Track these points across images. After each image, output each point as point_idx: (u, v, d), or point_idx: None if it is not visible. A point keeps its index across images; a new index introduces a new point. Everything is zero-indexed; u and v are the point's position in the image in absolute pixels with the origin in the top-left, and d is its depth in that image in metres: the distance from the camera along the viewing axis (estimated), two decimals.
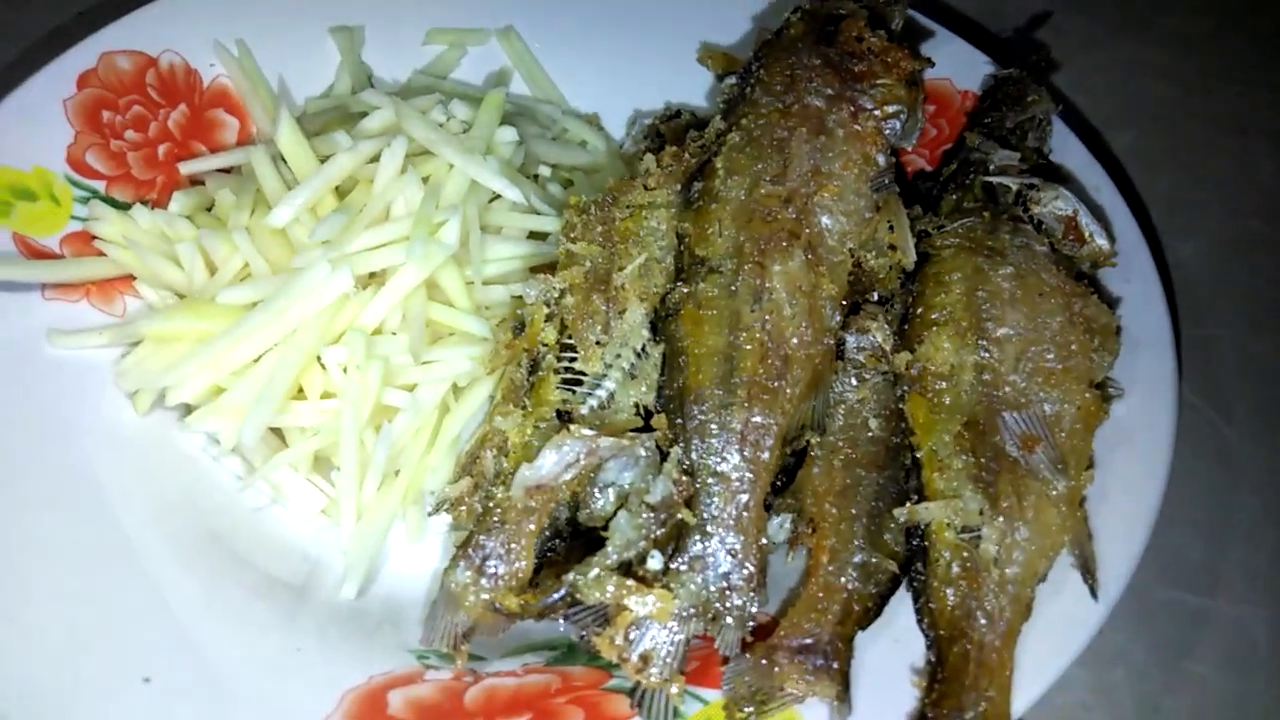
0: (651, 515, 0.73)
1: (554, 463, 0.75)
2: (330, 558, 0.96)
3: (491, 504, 0.78)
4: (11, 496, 0.88)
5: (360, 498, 0.94)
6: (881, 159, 0.87)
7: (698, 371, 0.79)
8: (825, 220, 0.84)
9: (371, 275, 0.99)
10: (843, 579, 0.79)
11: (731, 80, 0.96)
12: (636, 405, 0.83)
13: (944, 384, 0.83)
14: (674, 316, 0.82)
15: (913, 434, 0.83)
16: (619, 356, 0.85)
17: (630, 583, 0.72)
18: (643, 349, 0.86)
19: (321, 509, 0.97)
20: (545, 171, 1.19)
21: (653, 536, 0.73)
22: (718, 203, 0.86)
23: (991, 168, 0.95)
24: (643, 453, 0.75)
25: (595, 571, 0.72)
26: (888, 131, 0.88)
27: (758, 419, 0.77)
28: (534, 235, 1.11)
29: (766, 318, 0.80)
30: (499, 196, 1.08)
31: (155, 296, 1.01)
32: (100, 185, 1.07)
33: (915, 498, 0.81)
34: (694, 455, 0.77)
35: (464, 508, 0.90)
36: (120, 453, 0.94)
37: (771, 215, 0.84)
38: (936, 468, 0.80)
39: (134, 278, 1.02)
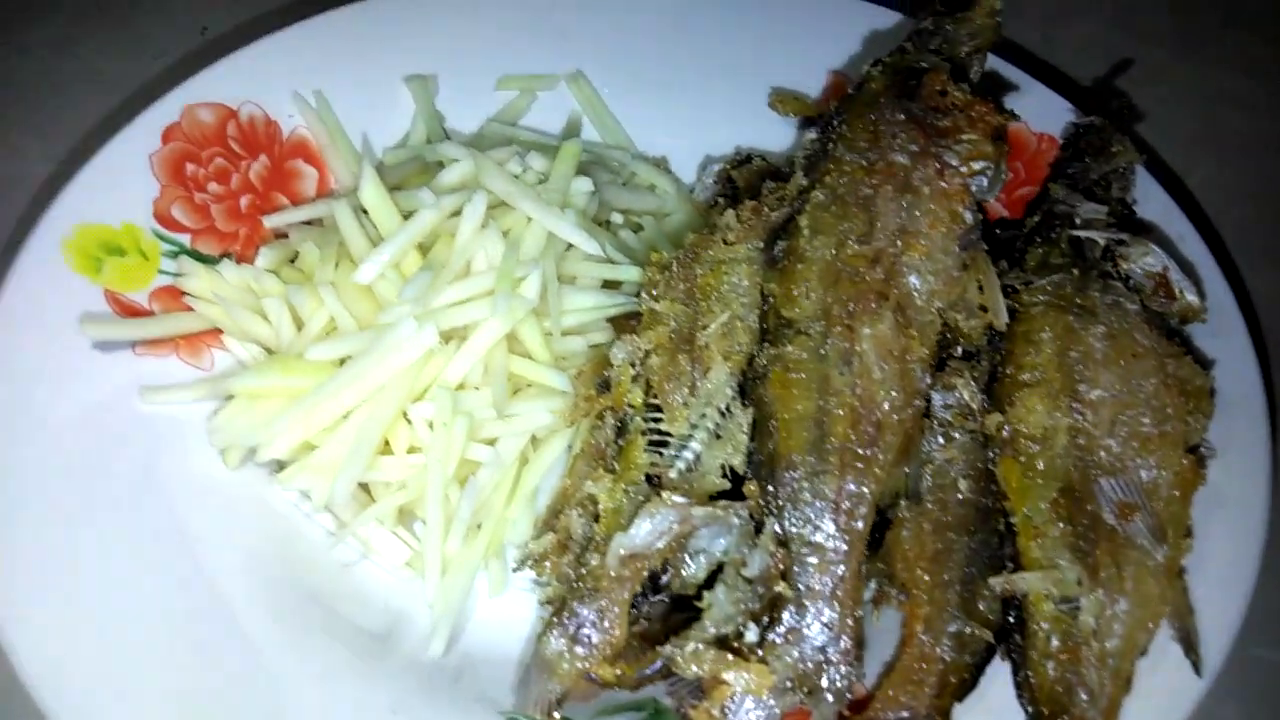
0: (749, 589, 0.73)
1: (647, 532, 0.75)
2: (415, 610, 0.97)
3: (584, 570, 0.79)
4: (106, 552, 0.91)
5: (444, 551, 0.95)
6: (969, 216, 0.87)
7: (788, 437, 0.79)
8: (913, 280, 0.84)
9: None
10: (939, 649, 0.78)
11: (812, 135, 0.96)
12: (723, 467, 0.83)
13: (1037, 447, 0.82)
14: (762, 380, 0.82)
15: (1006, 499, 0.82)
16: (704, 416, 0.85)
17: (728, 657, 0.72)
18: (727, 408, 0.86)
19: (406, 561, 0.98)
20: (617, 218, 1.19)
21: (750, 610, 0.73)
22: (803, 263, 0.86)
23: (1078, 221, 0.94)
24: (736, 521, 0.75)
25: (693, 646, 0.73)
26: (974, 188, 0.88)
27: (851, 487, 0.77)
28: (608, 284, 1.12)
29: (857, 382, 0.80)
30: (574, 246, 1.09)
31: (243, 350, 1.03)
32: (186, 239, 1.09)
33: (1011, 566, 0.80)
34: (787, 524, 0.77)
35: (548, 563, 0.91)
36: (211, 507, 0.96)
37: (859, 276, 0.84)
38: (1033, 535, 0.79)
39: (221, 332, 1.04)
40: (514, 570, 0.94)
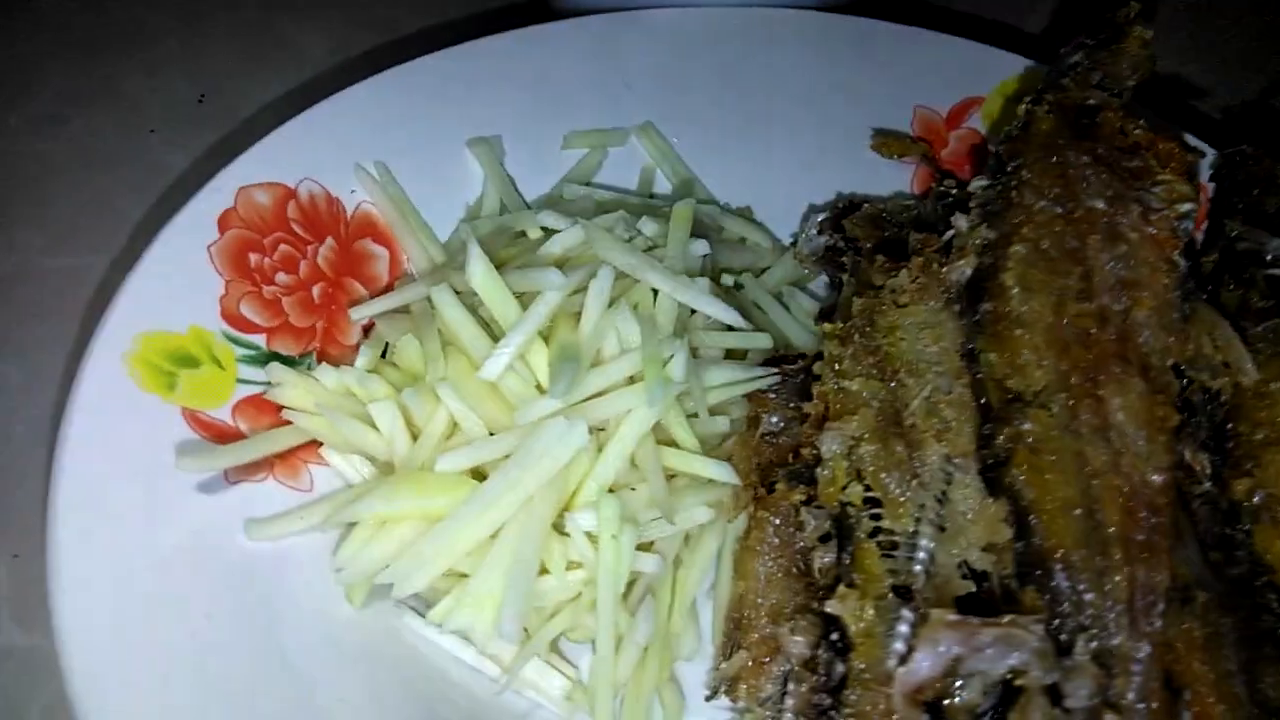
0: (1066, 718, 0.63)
1: (932, 663, 0.65)
2: None
3: (846, 711, 0.67)
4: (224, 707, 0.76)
5: (616, 682, 0.83)
6: (1182, 262, 0.80)
7: (1056, 531, 0.70)
8: (1148, 338, 0.76)
9: None
10: None
11: (983, 182, 0.88)
12: (961, 565, 0.74)
13: None
14: (1005, 466, 0.73)
15: (1273, 571, 0.74)
16: (923, 508, 0.76)
17: None
18: (943, 495, 0.77)
19: (568, 695, 0.85)
20: (728, 280, 1.10)
21: None
22: (1022, 327, 0.77)
23: (1268, 258, 0.88)
24: (1034, 642, 0.65)
25: None
26: (1181, 232, 0.81)
27: (1143, 580, 0.68)
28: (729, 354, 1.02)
29: (1120, 459, 0.71)
30: (691, 315, 0.99)
31: (347, 466, 0.89)
32: (260, 339, 0.95)
33: None
34: (1073, 633, 0.67)
35: (744, 686, 0.80)
36: (339, 655, 0.82)
37: (1091, 339, 0.75)
38: None
39: (317, 445, 0.90)
40: (708, 698, 0.82)
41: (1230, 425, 0.80)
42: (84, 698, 0.72)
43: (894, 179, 1.23)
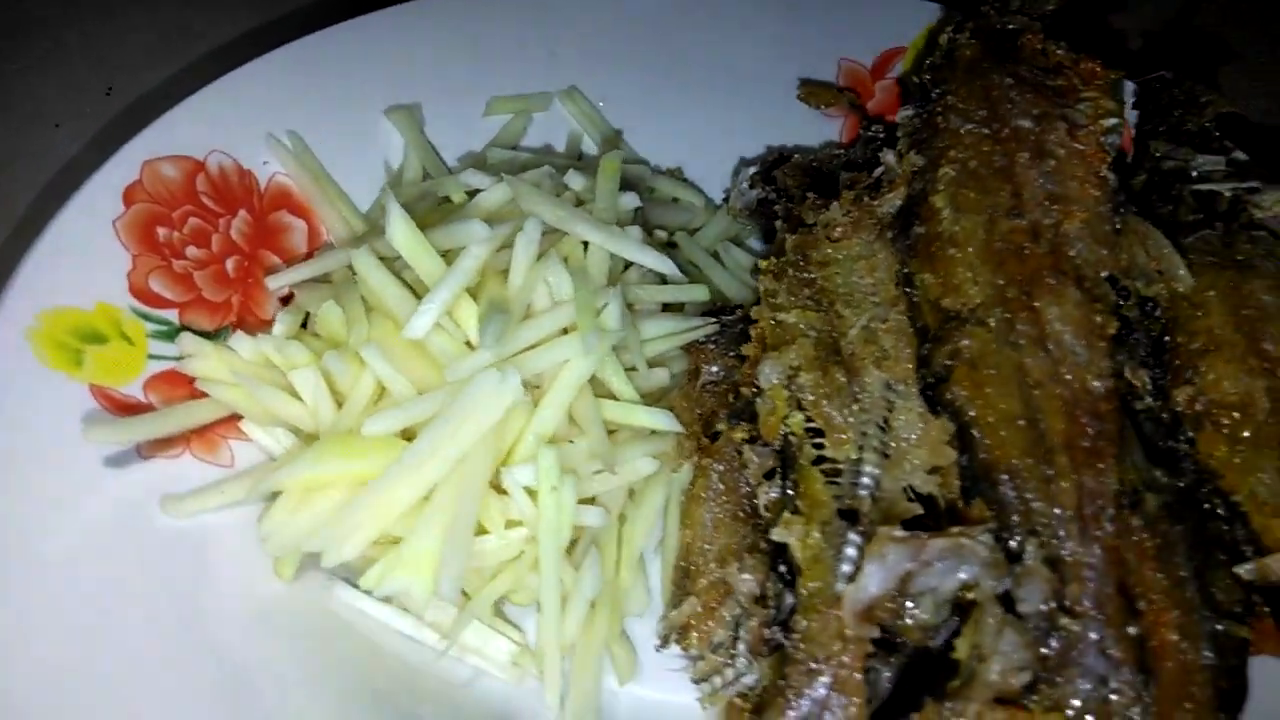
0: (1036, 627, 0.61)
1: (881, 577, 0.63)
2: (533, 715, 0.81)
3: (796, 637, 0.65)
4: (146, 694, 0.72)
5: (564, 641, 0.80)
6: (1112, 177, 0.79)
7: (999, 444, 0.68)
8: (1081, 250, 0.75)
9: None
10: (1201, 657, 0.68)
11: (909, 111, 0.87)
12: (907, 490, 0.72)
13: (1238, 415, 0.74)
14: (945, 383, 0.71)
15: (1219, 476, 0.74)
16: (866, 435, 0.74)
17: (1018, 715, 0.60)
18: (885, 423, 0.75)
19: (514, 659, 0.82)
20: (661, 235, 1.07)
21: (1040, 653, 0.61)
22: (955, 247, 0.76)
23: (1194, 175, 0.88)
24: (983, 551, 0.63)
25: (975, 709, 0.60)
26: (1108, 146, 0.80)
27: (1091, 485, 0.67)
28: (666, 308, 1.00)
29: (1059, 368, 0.70)
30: (627, 269, 0.97)
31: (268, 438, 0.85)
32: (172, 314, 0.91)
33: (1250, 549, 0.72)
34: (1022, 539, 0.66)
35: (695, 634, 0.78)
36: (267, 631, 0.78)
37: (1023, 252, 0.74)
38: (1269, 512, 0.71)
39: (237, 419, 0.86)
40: (658, 648, 0.79)
41: (1168, 338, 0.80)
42: None
43: (823, 133, 1.22)
